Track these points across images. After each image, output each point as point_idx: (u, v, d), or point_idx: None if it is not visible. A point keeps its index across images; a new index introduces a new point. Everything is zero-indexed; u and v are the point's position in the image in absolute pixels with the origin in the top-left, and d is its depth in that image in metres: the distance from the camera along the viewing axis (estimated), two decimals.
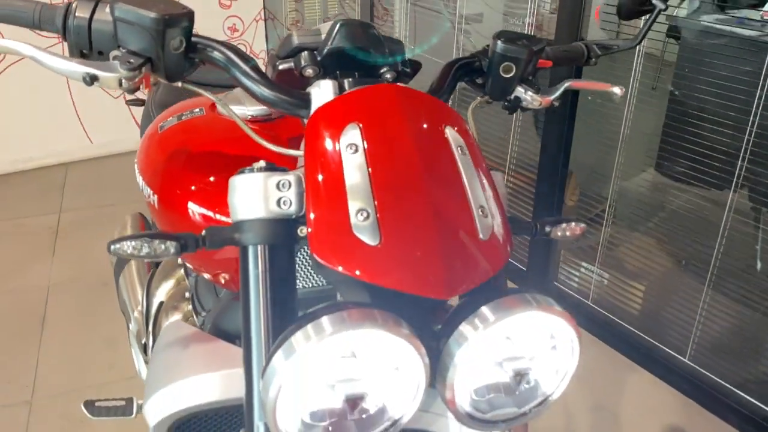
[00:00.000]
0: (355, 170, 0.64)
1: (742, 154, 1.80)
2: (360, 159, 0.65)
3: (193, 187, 0.90)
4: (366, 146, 0.66)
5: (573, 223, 0.83)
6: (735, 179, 1.81)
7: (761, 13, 2.12)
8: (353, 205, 0.63)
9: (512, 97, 0.91)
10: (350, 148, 0.66)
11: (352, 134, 0.66)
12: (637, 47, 2.01)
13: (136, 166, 1.07)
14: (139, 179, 1.03)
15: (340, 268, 0.62)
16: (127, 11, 0.69)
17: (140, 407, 1.40)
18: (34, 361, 2.05)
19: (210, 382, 0.81)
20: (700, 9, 2.25)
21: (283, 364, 0.58)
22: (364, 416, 0.64)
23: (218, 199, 0.89)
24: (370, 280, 0.61)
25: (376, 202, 0.63)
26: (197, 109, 1.06)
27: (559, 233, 0.83)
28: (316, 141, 0.67)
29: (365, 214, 0.63)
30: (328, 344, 0.59)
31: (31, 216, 2.94)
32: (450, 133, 0.71)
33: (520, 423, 0.71)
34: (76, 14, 0.73)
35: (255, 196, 0.67)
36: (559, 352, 0.69)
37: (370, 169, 0.64)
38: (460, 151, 0.70)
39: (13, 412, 1.86)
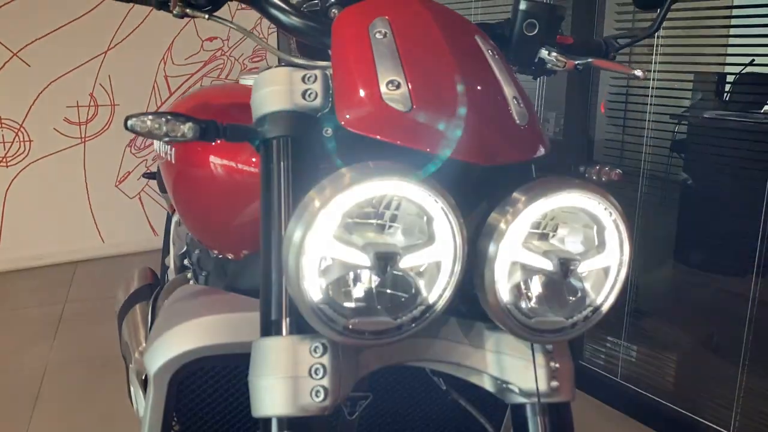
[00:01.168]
0: (384, 49, 0.62)
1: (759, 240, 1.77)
2: (389, 41, 0.63)
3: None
4: (395, 32, 0.64)
5: (608, 167, 0.79)
6: (755, 266, 1.78)
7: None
8: (383, 77, 0.61)
9: (537, 59, 0.90)
10: (379, 34, 0.64)
11: (381, 23, 0.65)
12: (642, 172, 2.08)
13: None
14: (156, 144, 1.02)
15: (373, 135, 0.58)
16: None
17: None
18: None
19: (213, 324, 0.73)
20: (703, 100, 2.32)
21: (306, 217, 0.53)
22: (392, 292, 0.57)
23: (238, 154, 0.86)
24: (403, 143, 0.57)
25: (406, 74, 0.61)
26: (196, 88, 1.06)
27: (594, 176, 0.79)
28: (344, 32, 0.66)
29: (396, 84, 0.60)
30: (349, 195, 0.53)
31: (36, 307, 2.87)
32: (479, 38, 0.70)
33: (569, 336, 0.64)
34: None
35: (280, 87, 0.65)
36: (607, 249, 0.62)
37: (399, 49, 0.63)
38: (490, 53, 0.68)
39: None
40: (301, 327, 0.59)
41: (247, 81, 0.99)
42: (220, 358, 0.74)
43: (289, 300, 0.60)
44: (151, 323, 1.21)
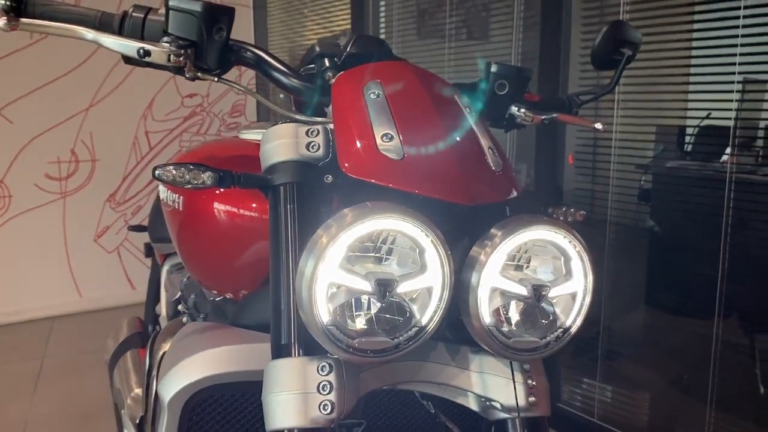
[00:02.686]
0: (377, 107, 0.72)
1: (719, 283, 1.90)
2: (382, 100, 0.73)
3: (218, 191, 0.96)
4: (386, 93, 0.74)
5: (573, 209, 0.90)
6: (717, 307, 1.90)
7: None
8: (378, 131, 0.70)
9: (507, 114, 1.01)
10: (373, 94, 0.74)
11: (374, 86, 0.75)
12: (608, 219, 2.22)
13: (160, 188, 1.14)
14: (162, 191, 1.10)
15: (369, 180, 0.67)
16: (181, 1, 0.80)
17: None
18: None
19: (222, 355, 0.80)
20: (665, 151, 2.48)
21: (316, 250, 0.61)
22: (390, 317, 0.65)
23: (242, 202, 0.95)
24: (397, 186, 0.67)
25: (397, 128, 0.70)
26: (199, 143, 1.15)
27: (560, 216, 0.89)
28: (342, 92, 0.76)
29: (389, 137, 0.70)
30: (352, 232, 0.62)
31: (14, 362, 2.86)
32: (458, 97, 0.80)
33: (543, 354, 0.72)
34: (133, 15, 0.84)
35: (287, 140, 0.74)
36: (573, 278, 0.72)
37: (391, 106, 0.73)
38: (467, 109, 0.79)
39: None
40: (309, 349, 0.67)
41: (246, 135, 1.09)
42: (229, 386, 0.81)
43: (297, 326, 0.67)
44: (150, 365, 1.26)
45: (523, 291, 0.70)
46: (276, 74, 0.86)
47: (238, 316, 0.93)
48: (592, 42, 1.08)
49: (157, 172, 0.70)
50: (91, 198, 3.51)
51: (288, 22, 3.87)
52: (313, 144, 0.74)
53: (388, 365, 0.74)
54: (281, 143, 0.74)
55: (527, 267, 0.72)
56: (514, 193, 0.74)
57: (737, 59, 1.77)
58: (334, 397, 0.65)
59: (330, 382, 0.65)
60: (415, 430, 0.91)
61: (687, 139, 2.22)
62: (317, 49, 0.91)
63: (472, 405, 0.78)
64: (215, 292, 1.09)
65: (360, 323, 0.65)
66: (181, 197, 1.00)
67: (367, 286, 0.64)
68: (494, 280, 0.69)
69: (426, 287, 0.66)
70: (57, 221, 3.45)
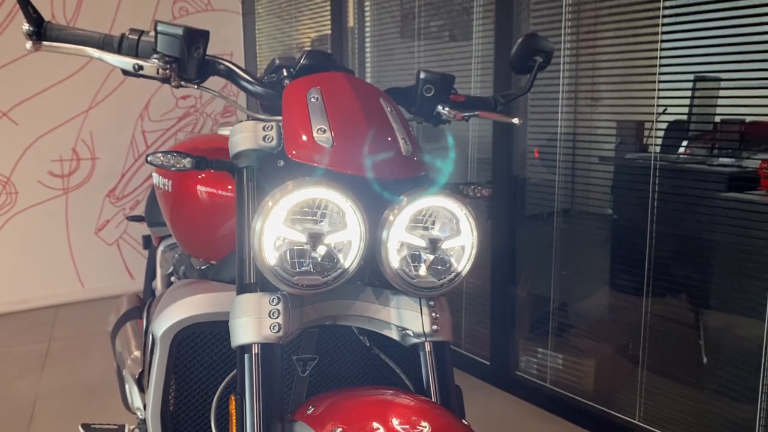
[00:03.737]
0: (315, 108, 0.96)
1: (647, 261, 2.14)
2: (319, 103, 0.97)
3: (200, 176, 1.20)
4: (323, 97, 0.98)
5: (480, 186, 1.14)
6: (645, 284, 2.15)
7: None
8: (314, 126, 0.94)
9: (435, 112, 1.25)
10: (312, 98, 0.98)
11: (314, 91, 0.99)
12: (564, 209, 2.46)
13: (152, 173, 1.38)
14: (155, 177, 1.34)
15: (308, 163, 0.91)
16: (167, 27, 1.04)
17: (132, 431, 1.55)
18: None
19: (201, 300, 1.05)
20: (623, 144, 2.72)
21: (266, 212, 0.86)
22: (321, 261, 0.89)
23: (219, 184, 1.18)
24: (326, 166, 0.91)
25: (330, 123, 0.94)
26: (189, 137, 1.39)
27: (470, 192, 1.13)
28: (290, 97, 1.00)
29: (323, 130, 0.93)
30: (290, 198, 0.86)
31: (22, 345, 3.10)
32: (382, 99, 1.04)
33: (441, 292, 0.96)
34: (129, 37, 1.07)
35: (248, 134, 0.98)
36: (462, 234, 0.96)
37: (326, 107, 0.96)
38: (389, 109, 1.03)
39: None
40: (263, 287, 0.90)
41: (223, 131, 1.32)
42: (207, 324, 1.05)
43: (255, 271, 0.91)
44: (146, 326, 1.50)
45: (422, 243, 0.94)
46: (243, 82, 1.10)
47: (216, 274, 1.17)
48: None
49: (149, 157, 0.94)
50: (91, 194, 3.75)
51: (277, 25, 4.10)
52: (267, 137, 0.98)
53: (327, 303, 0.98)
54: (244, 136, 0.98)
55: (432, 228, 0.96)
56: (420, 172, 0.97)
57: (658, 61, 2.01)
58: (281, 321, 0.89)
59: (278, 310, 0.89)
60: (356, 361, 1.14)
61: (621, 133, 2.45)
62: (277, 61, 1.15)
63: (394, 335, 1.01)
64: (201, 260, 1.33)
65: (301, 267, 0.89)
66: (170, 181, 1.24)
67: (302, 238, 0.87)
68: (400, 235, 0.92)
69: (347, 240, 0.90)
70: (60, 216, 3.69)
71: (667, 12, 1.97)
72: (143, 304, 2.08)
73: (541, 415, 2.38)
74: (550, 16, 2.35)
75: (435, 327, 0.98)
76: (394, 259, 0.93)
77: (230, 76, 1.11)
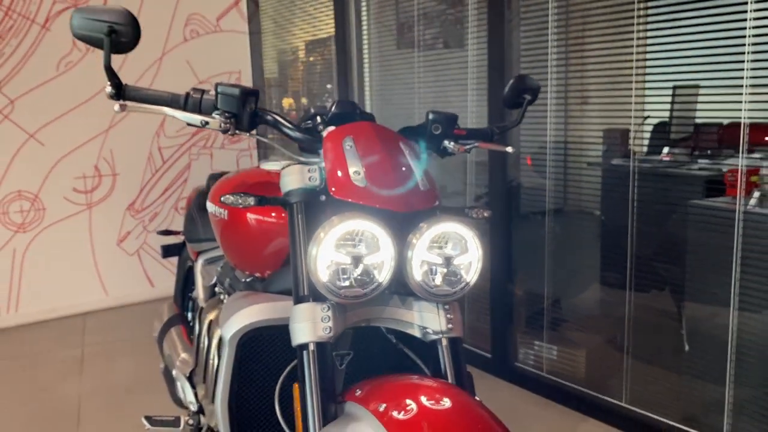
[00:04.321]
0: (350, 153, 1.21)
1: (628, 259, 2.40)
2: (353, 149, 1.22)
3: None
4: (355, 144, 1.23)
5: (481, 209, 1.39)
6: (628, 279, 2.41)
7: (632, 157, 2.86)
8: (351, 169, 1.19)
9: (442, 147, 1.50)
10: (347, 145, 1.23)
11: (348, 139, 1.24)
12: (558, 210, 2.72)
13: (207, 202, 1.63)
14: (209, 206, 1.58)
15: (347, 200, 1.16)
16: (226, 88, 1.28)
17: (186, 423, 1.80)
18: None
19: (260, 309, 1.30)
20: (609, 150, 2.98)
21: (319, 240, 1.11)
22: (361, 277, 1.14)
23: (266, 212, 1.43)
24: (362, 202, 1.16)
25: (363, 167, 1.19)
26: (232, 173, 1.64)
27: (473, 215, 1.38)
28: (329, 145, 1.25)
29: (358, 173, 1.19)
30: (337, 230, 1.12)
31: (57, 351, 3.34)
32: (401, 143, 1.29)
33: (454, 299, 1.22)
34: (192, 95, 1.32)
35: (296, 176, 1.23)
36: (470, 252, 1.21)
37: (359, 153, 1.21)
38: (407, 151, 1.28)
39: None
40: (315, 298, 1.15)
41: (266, 166, 1.57)
42: (265, 328, 1.30)
43: (308, 285, 1.16)
44: (199, 331, 1.75)
45: (438, 260, 1.19)
46: (286, 130, 1.34)
47: (268, 287, 1.42)
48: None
49: (222, 199, 1.19)
50: (113, 207, 4.00)
51: (280, 37, 4.35)
52: (312, 177, 1.22)
53: (364, 309, 1.22)
54: (293, 178, 1.23)
55: (445, 246, 1.21)
56: (436, 203, 1.22)
57: (633, 70, 2.27)
58: (331, 324, 1.14)
59: (329, 316, 1.14)
60: (383, 355, 1.39)
61: (603, 141, 2.70)
62: (312, 110, 1.40)
63: (416, 332, 1.26)
64: (247, 272, 1.58)
65: (345, 282, 1.14)
66: (226, 211, 1.49)
67: (347, 260, 1.13)
68: (422, 254, 1.18)
69: (381, 260, 1.15)
70: (84, 229, 3.93)
71: (640, 27, 2.23)
72: (181, 311, 2.33)
73: (538, 401, 2.64)
74: (537, 23, 2.61)
75: (450, 326, 1.23)
76: (417, 273, 1.18)
77: (275, 125, 1.35)
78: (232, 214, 1.47)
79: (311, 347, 1.14)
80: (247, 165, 4.46)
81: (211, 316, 1.73)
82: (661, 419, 2.28)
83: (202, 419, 1.79)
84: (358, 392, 1.10)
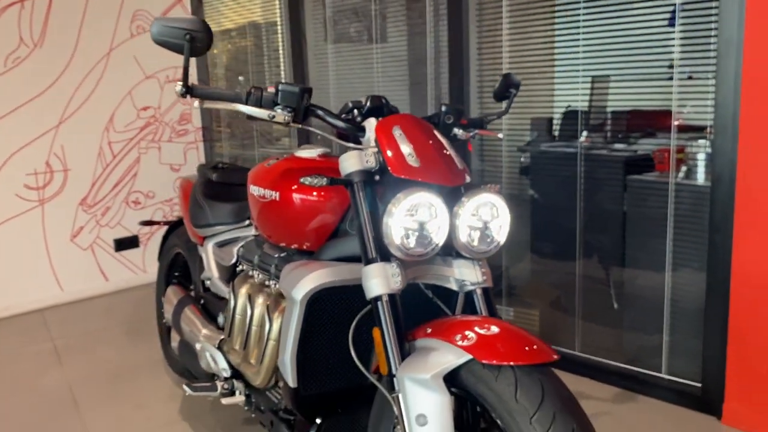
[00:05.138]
0: (402, 139, 1.47)
1: (577, 234, 2.79)
2: (403, 136, 1.48)
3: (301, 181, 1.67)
4: (404, 132, 1.49)
5: (493, 185, 1.69)
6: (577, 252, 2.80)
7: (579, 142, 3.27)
8: (404, 152, 1.45)
9: (452, 134, 1.79)
10: (397, 133, 1.49)
11: (397, 128, 1.50)
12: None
13: (250, 185, 1.83)
14: (254, 189, 1.79)
15: (407, 177, 1.43)
16: (287, 86, 1.51)
17: (222, 387, 2.00)
18: (85, 430, 2.49)
19: (328, 271, 1.54)
20: (538, 138, 3.38)
21: (392, 212, 1.37)
22: (422, 238, 1.41)
23: (311, 192, 1.66)
24: (419, 179, 1.43)
25: (414, 150, 1.46)
26: (273, 160, 1.85)
27: (489, 190, 1.68)
28: (382, 133, 1.50)
29: (412, 156, 1.45)
30: (406, 202, 1.38)
31: (26, 346, 3.36)
32: (435, 130, 1.57)
33: (488, 255, 1.51)
34: (254, 92, 1.53)
35: (355, 160, 1.48)
36: (500, 217, 1.51)
37: (408, 139, 1.48)
38: (441, 137, 1.56)
39: None
40: (383, 258, 1.41)
41: (301, 153, 1.80)
42: (329, 289, 1.54)
43: (376, 248, 1.41)
44: (235, 305, 1.94)
45: (479, 224, 1.48)
46: (331, 120, 1.58)
47: (319, 256, 1.66)
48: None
49: (301, 179, 1.42)
50: (65, 203, 4.01)
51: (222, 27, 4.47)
52: (368, 160, 1.48)
53: (415, 267, 1.49)
54: (352, 161, 1.47)
55: (476, 214, 1.50)
56: (469, 179, 1.51)
57: (581, 60, 2.65)
58: (399, 279, 1.40)
59: (398, 272, 1.40)
60: (421, 307, 1.66)
61: (551, 126, 3.09)
62: (350, 104, 1.64)
63: (453, 286, 1.55)
64: (283, 246, 1.80)
65: (412, 243, 1.40)
66: (277, 192, 1.71)
67: (414, 225, 1.40)
68: (466, 220, 1.46)
69: (437, 225, 1.43)
70: (37, 225, 3.92)
71: (557, 18, 2.61)
72: (187, 293, 2.49)
73: None
74: (492, 17, 2.95)
75: (484, 278, 1.53)
76: (463, 235, 1.47)
77: (323, 117, 1.59)
78: (284, 195, 1.69)
79: (384, 298, 1.40)
80: (194, 157, 4.56)
81: (245, 289, 1.94)
82: (611, 362, 2.69)
83: (236, 383, 2.00)
84: (429, 330, 1.38)
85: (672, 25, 2.68)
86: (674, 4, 2.41)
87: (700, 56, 2.32)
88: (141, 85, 4.24)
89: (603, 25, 2.57)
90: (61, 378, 2.95)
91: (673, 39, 2.38)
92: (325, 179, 1.45)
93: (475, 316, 1.45)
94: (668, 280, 2.51)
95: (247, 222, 2.20)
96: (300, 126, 1.59)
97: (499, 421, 1.24)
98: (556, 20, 2.81)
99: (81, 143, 4.03)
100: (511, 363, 1.23)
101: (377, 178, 1.49)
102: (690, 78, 2.49)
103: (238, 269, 2.12)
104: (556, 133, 3.19)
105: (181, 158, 4.49)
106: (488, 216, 1.51)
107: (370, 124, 1.55)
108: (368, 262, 1.43)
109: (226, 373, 2.02)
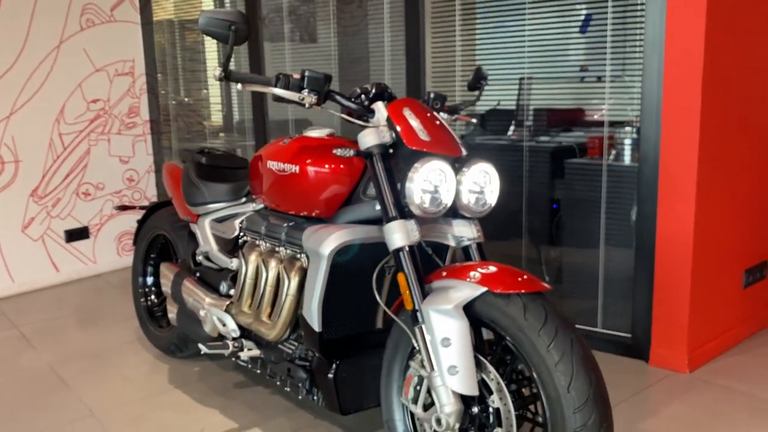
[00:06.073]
0: (413, 119, 1.77)
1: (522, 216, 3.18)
2: (413, 116, 1.78)
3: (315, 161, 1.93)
4: (413, 112, 1.79)
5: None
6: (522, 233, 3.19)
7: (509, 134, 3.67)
8: (416, 127, 1.75)
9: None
10: (407, 113, 1.79)
11: (407, 109, 1.79)
12: None
13: (267, 162, 2.06)
14: (273, 164, 2.02)
15: (419, 149, 1.72)
16: (313, 73, 1.77)
17: (233, 345, 2.21)
18: (80, 402, 2.61)
19: (350, 230, 1.82)
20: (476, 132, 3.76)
21: (413, 177, 1.66)
22: (434, 199, 1.71)
23: (332, 160, 1.92)
24: (430, 150, 1.73)
25: (424, 127, 1.76)
26: (287, 138, 2.10)
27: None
28: (396, 110, 1.78)
29: (423, 132, 1.75)
30: (424, 169, 1.68)
31: None
32: (440, 114, 1.87)
33: (483, 214, 1.83)
34: (281, 77, 1.78)
35: (373, 135, 1.76)
36: (492, 183, 1.84)
37: (418, 118, 1.77)
38: (446, 121, 1.86)
39: (81, 422, 2.42)
40: (402, 217, 1.70)
41: (311, 133, 2.05)
42: (350, 246, 1.81)
43: (396, 208, 1.70)
44: (246, 271, 2.16)
45: (477, 188, 1.80)
46: (345, 102, 1.85)
47: (334, 220, 1.93)
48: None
49: (334, 150, 1.70)
50: (16, 194, 4.01)
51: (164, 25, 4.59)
52: (384, 136, 1.76)
53: (424, 226, 1.79)
54: (371, 137, 1.75)
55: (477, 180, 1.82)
56: (467, 152, 1.82)
57: (524, 60, 3.04)
58: (417, 233, 1.69)
59: (416, 227, 1.69)
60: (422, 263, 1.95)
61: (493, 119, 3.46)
62: (358, 90, 1.92)
63: (451, 242, 1.86)
64: (292, 213, 2.05)
65: (427, 203, 1.70)
66: (297, 166, 1.95)
67: (430, 188, 1.69)
68: (468, 185, 1.78)
69: (447, 189, 1.73)
70: None
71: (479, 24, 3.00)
72: (184, 267, 2.66)
73: None
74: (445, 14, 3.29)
75: (478, 234, 1.85)
76: (466, 197, 1.78)
77: (339, 100, 1.86)
78: (302, 168, 1.94)
79: (406, 249, 1.69)
80: (142, 149, 4.64)
81: (254, 256, 2.17)
82: None
83: (245, 342, 2.22)
84: (444, 273, 1.68)
85: (583, 32, 3.13)
86: (587, 14, 2.86)
87: (626, 57, 2.76)
88: (91, 78, 4.29)
89: (533, 32, 2.97)
90: (39, 359, 3.03)
91: (606, 43, 2.80)
92: (351, 151, 1.73)
93: (478, 262, 1.77)
94: (603, 248, 2.94)
95: (243, 199, 2.42)
96: (320, 107, 1.85)
97: (509, 339, 1.56)
98: (496, 24, 3.18)
99: (32, 134, 4.04)
100: (518, 291, 1.55)
101: (391, 151, 1.78)
102: (599, 80, 2.95)
103: (240, 241, 2.33)
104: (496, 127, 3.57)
105: (130, 150, 4.57)
106: (483, 182, 1.83)
107: (378, 106, 1.84)
108: (389, 220, 1.72)
109: (235, 333, 2.24)
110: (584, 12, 2.99)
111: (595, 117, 2.95)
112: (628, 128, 2.86)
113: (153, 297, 3.09)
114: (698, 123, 2.48)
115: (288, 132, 4.17)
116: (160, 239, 3.02)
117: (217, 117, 4.88)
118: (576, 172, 3.05)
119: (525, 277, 1.61)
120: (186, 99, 4.91)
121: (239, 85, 1.73)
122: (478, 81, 2.22)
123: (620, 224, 2.88)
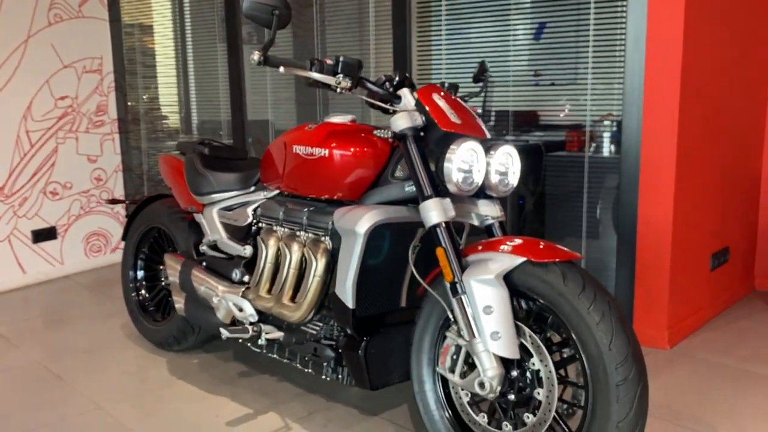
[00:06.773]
0: (442, 102, 1.87)
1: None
2: (443, 101, 1.88)
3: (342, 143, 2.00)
4: (442, 96, 1.89)
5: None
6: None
7: None
8: (448, 112, 1.85)
9: None
10: (436, 97, 1.89)
11: (436, 94, 1.90)
12: None
13: (293, 146, 2.11)
14: (300, 149, 2.07)
15: (451, 131, 1.83)
16: (348, 60, 1.85)
17: (252, 329, 2.23)
18: (82, 396, 2.56)
19: (383, 210, 1.90)
20: None
21: (451, 158, 1.76)
22: (467, 177, 1.82)
23: (360, 144, 1.99)
24: (462, 132, 1.83)
25: (455, 111, 1.86)
26: (312, 125, 2.16)
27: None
28: (425, 95, 1.88)
29: (454, 115, 1.86)
30: (461, 150, 1.78)
31: None
32: (463, 102, 1.98)
33: (507, 194, 1.95)
34: (316, 62, 1.85)
35: (405, 119, 1.85)
36: (514, 164, 1.96)
37: (447, 102, 1.88)
38: (471, 109, 1.97)
39: (91, 414, 2.39)
40: (437, 195, 1.79)
41: (334, 119, 2.12)
42: (383, 225, 1.89)
43: (430, 187, 1.79)
44: (266, 255, 2.20)
45: (503, 169, 1.91)
46: (374, 88, 1.94)
47: (363, 202, 2.00)
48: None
49: (375, 132, 1.78)
50: None
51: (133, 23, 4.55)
52: (416, 119, 1.86)
53: (455, 205, 1.89)
54: (403, 121, 1.84)
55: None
56: (491, 134, 1.94)
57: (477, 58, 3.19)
58: (452, 210, 1.79)
59: (451, 206, 1.79)
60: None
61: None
62: (383, 77, 2.01)
63: (475, 221, 1.96)
64: (312, 197, 2.12)
65: (461, 180, 1.80)
66: (327, 150, 2.01)
67: (466, 167, 1.80)
68: (496, 166, 1.89)
69: (479, 168, 1.83)
70: None
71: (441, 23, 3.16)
72: (189, 257, 2.66)
73: None
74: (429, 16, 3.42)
75: (501, 213, 1.96)
76: (494, 178, 1.89)
77: (369, 87, 1.94)
78: (332, 152, 2.01)
79: (443, 225, 1.79)
80: (110, 148, 4.56)
81: (273, 241, 2.21)
82: None
83: (263, 326, 2.25)
84: (480, 247, 1.78)
85: (537, 39, 3.33)
86: (541, 22, 3.06)
87: (610, 56, 2.95)
88: (58, 74, 4.20)
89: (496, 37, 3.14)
90: (26, 358, 2.95)
91: (588, 45, 2.99)
92: (390, 132, 1.81)
93: (509, 236, 1.87)
94: (584, 236, 3.11)
95: (253, 188, 2.46)
96: (351, 93, 1.93)
97: (549, 305, 1.67)
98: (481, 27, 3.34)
99: None
100: (554, 260, 1.67)
101: (422, 134, 1.88)
102: (552, 84, 3.16)
103: (254, 228, 2.37)
104: None
105: (98, 149, 4.48)
106: (507, 164, 1.95)
107: (404, 92, 1.93)
108: (425, 198, 1.81)
109: (253, 318, 2.27)
110: (540, 20, 3.18)
111: (572, 115, 3.13)
112: (607, 122, 3.05)
113: (144, 291, 3.06)
114: (677, 117, 2.69)
115: (267, 131, 4.20)
116: (152, 233, 3.00)
117: (174, 119, 4.85)
118: (558, 163, 3.23)
119: (558, 247, 1.73)
120: (145, 97, 4.86)
121: (281, 68, 1.79)
122: (482, 73, 2.35)
123: (595, 216, 3.06)
